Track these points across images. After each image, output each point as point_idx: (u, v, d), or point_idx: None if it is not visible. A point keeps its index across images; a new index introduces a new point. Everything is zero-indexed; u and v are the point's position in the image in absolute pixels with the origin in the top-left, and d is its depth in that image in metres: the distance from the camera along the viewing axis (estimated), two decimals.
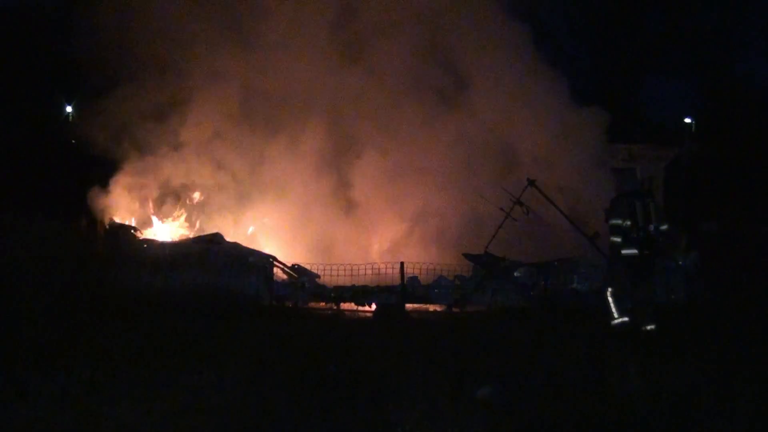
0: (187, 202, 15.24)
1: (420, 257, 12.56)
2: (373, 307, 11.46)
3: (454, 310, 11.47)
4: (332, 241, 14.34)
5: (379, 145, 14.90)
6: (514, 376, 6.35)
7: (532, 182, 12.08)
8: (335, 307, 11.68)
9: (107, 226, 13.32)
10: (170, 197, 15.14)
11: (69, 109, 19.75)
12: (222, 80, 14.83)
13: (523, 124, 14.61)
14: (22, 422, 5.15)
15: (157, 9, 14.32)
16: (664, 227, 8.19)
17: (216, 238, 12.90)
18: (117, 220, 14.07)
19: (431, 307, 11.76)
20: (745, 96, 30.07)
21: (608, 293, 8.23)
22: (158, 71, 14.58)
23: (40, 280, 8.89)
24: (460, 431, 5.08)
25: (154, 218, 14.97)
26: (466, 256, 12.03)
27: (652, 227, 8.07)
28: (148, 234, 14.30)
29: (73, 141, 15.37)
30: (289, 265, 12.44)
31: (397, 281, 11.60)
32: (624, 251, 8.11)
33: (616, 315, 8.14)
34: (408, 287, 11.58)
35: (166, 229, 14.92)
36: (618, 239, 8.13)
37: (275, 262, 12.12)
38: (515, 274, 11.72)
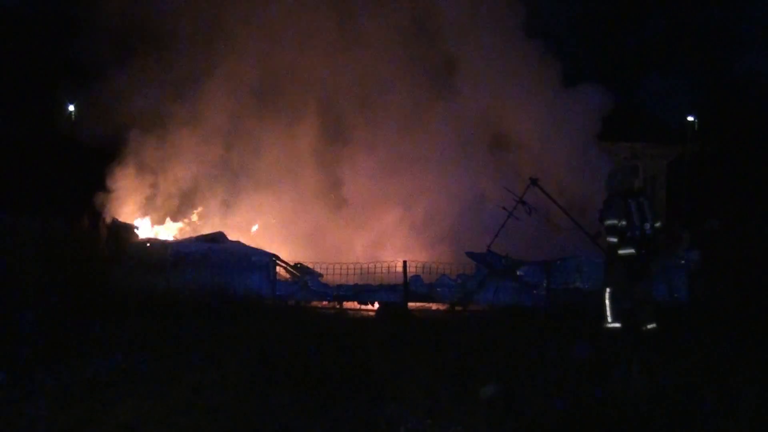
0: (189, 202, 15.26)
1: (423, 256, 12.56)
2: (376, 305, 11.47)
3: (457, 308, 11.47)
4: (334, 240, 14.35)
5: (377, 140, 14.90)
6: (517, 374, 6.35)
7: (534, 181, 12.06)
8: (338, 306, 11.69)
9: (109, 226, 13.32)
10: (173, 197, 15.15)
11: (71, 107, 19.74)
12: (220, 77, 14.84)
13: (521, 108, 14.61)
14: (25, 421, 5.16)
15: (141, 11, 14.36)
16: (657, 224, 8.14)
17: (218, 237, 12.91)
18: (119, 219, 14.07)
19: (434, 306, 11.76)
20: (747, 94, 30.03)
21: (606, 294, 8.17)
22: (160, 71, 14.61)
23: (42, 279, 8.91)
24: (463, 430, 5.08)
25: (157, 217, 14.98)
26: (469, 254, 12.01)
27: (647, 226, 8.02)
28: (150, 233, 14.32)
29: (75, 140, 15.37)
30: (292, 263, 12.45)
31: (399, 280, 11.59)
32: (621, 251, 8.02)
33: (609, 319, 8.07)
34: (411, 286, 11.58)
35: (169, 228, 14.94)
36: (615, 240, 8.05)
37: (278, 261, 12.12)
38: (518, 272, 11.70)
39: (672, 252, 11.61)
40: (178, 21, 14.69)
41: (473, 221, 13.67)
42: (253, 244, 13.03)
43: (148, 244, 12.56)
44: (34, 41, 22.82)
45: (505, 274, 11.62)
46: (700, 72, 32.88)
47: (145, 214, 14.85)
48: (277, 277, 11.96)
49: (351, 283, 11.88)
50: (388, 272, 11.92)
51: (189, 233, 14.60)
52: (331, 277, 12.10)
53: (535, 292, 11.54)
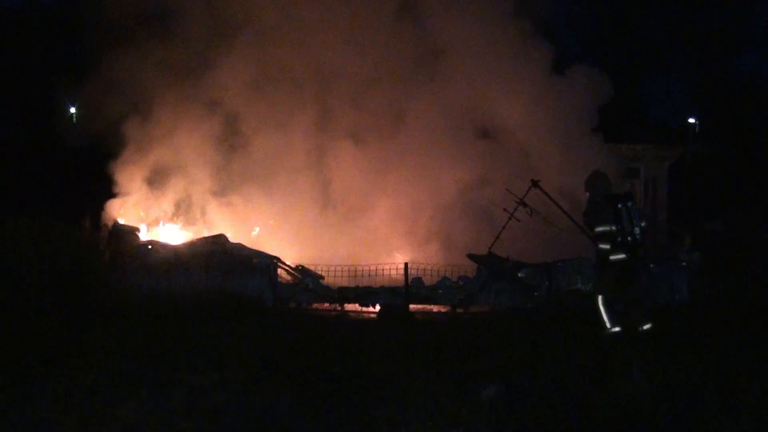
0: (191, 204, 15.27)
1: (424, 258, 12.56)
2: (377, 307, 11.48)
3: (458, 310, 11.47)
4: (335, 242, 14.35)
5: (372, 140, 14.91)
6: (519, 376, 6.35)
7: (536, 183, 12.05)
8: (339, 308, 11.70)
9: (111, 228, 13.33)
10: (174, 199, 15.17)
11: (72, 109, 19.78)
12: (220, 74, 14.87)
13: (519, 102, 14.60)
14: (27, 424, 5.16)
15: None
16: (643, 224, 8.08)
17: (220, 240, 12.91)
18: (121, 221, 14.09)
19: (435, 308, 11.77)
20: (749, 95, 30.02)
21: (599, 301, 8.07)
22: (161, 70, 14.64)
23: (44, 281, 8.90)
24: (464, 431, 5.08)
25: (158, 219, 15.00)
26: (470, 256, 12.02)
27: (637, 230, 7.95)
28: (152, 236, 14.33)
29: (76, 141, 15.39)
30: (293, 266, 12.45)
31: (401, 282, 11.59)
32: (613, 257, 7.94)
33: (608, 325, 8.01)
34: (412, 288, 11.58)
35: (170, 231, 14.95)
36: (607, 246, 7.94)
37: (279, 263, 12.13)
38: (519, 274, 11.70)
39: (676, 253, 11.60)
40: (178, 21, 14.74)
41: (475, 223, 13.68)
42: (254, 247, 13.03)
43: (150, 247, 12.57)
44: (34, 42, 22.86)
45: (507, 276, 11.62)
46: (701, 74, 32.83)
47: (146, 217, 14.86)
48: (279, 279, 11.96)
49: (352, 285, 11.88)
50: (390, 274, 11.92)
51: (190, 235, 14.61)
52: (332, 280, 12.10)
53: (536, 294, 11.55)
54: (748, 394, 5.56)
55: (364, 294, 11.69)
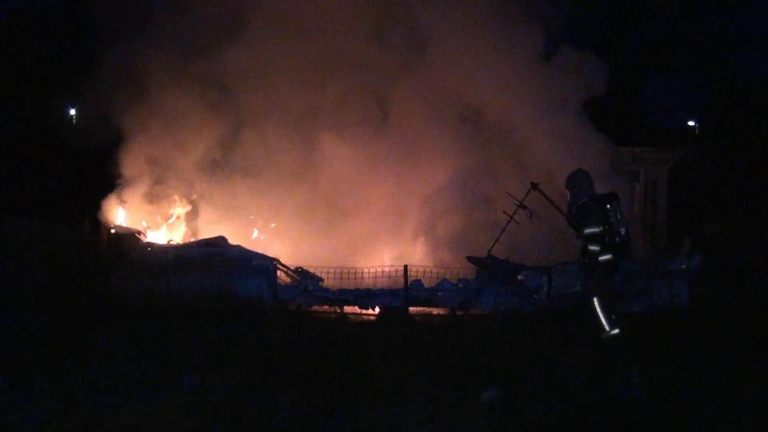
0: (191, 205, 15.29)
1: (423, 260, 12.56)
2: (377, 310, 11.47)
3: (458, 313, 11.47)
4: (335, 245, 14.36)
5: (373, 138, 14.92)
6: (518, 378, 6.35)
7: (535, 185, 12.05)
8: (339, 310, 11.69)
9: (111, 230, 13.34)
10: (174, 201, 15.18)
11: (72, 111, 19.79)
12: (219, 75, 14.89)
13: (517, 97, 14.61)
14: (27, 425, 5.16)
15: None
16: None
17: (220, 242, 12.92)
18: (121, 223, 14.10)
19: (435, 311, 11.75)
20: (749, 98, 30.02)
21: (595, 303, 8.03)
22: (162, 74, 14.66)
23: (44, 283, 8.90)
24: None
25: (158, 222, 15.01)
26: (470, 259, 12.02)
27: (623, 230, 7.92)
28: (151, 237, 14.34)
29: (77, 144, 15.42)
30: (293, 268, 12.46)
31: (400, 284, 11.59)
32: (601, 258, 7.93)
33: (607, 327, 7.97)
34: (411, 290, 11.58)
35: (170, 233, 14.96)
36: (597, 248, 7.92)
37: (279, 265, 12.13)
38: (519, 277, 11.70)
39: (675, 256, 11.60)
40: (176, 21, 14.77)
41: (474, 225, 13.68)
42: (253, 249, 13.04)
43: (149, 249, 12.58)
44: (35, 42, 22.87)
45: (506, 278, 11.62)
46: (701, 76, 32.86)
47: (146, 219, 14.87)
48: (278, 282, 11.97)
49: (352, 287, 11.89)
50: (389, 277, 11.92)
51: (190, 237, 14.62)
52: (331, 282, 12.10)
53: (536, 296, 11.54)
54: (747, 395, 5.56)
55: (364, 296, 11.69)
